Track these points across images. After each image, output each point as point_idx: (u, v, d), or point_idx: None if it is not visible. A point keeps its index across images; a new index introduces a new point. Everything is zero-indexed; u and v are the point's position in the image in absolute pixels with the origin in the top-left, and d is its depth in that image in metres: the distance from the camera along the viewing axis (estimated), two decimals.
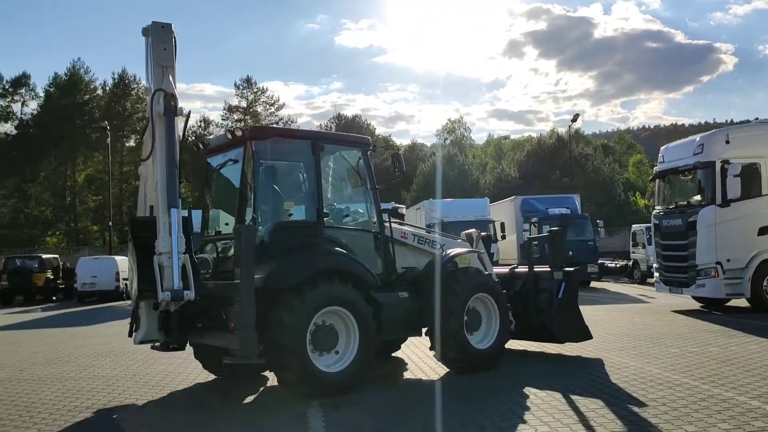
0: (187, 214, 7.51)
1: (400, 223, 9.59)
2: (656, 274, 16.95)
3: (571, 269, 10.09)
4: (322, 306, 7.49)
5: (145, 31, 7.42)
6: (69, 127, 57.24)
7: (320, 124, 76.11)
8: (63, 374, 9.83)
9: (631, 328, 12.77)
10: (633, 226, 30.03)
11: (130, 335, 7.82)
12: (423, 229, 9.95)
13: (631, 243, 29.75)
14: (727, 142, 14.98)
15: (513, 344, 10.81)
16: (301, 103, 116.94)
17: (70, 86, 59.05)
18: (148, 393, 8.25)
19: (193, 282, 6.86)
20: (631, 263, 29.36)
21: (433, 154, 67.03)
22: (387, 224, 8.85)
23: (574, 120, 46.83)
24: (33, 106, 61.74)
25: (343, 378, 7.58)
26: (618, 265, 30.66)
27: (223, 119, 65.59)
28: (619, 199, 60.14)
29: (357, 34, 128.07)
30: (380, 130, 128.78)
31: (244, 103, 65.47)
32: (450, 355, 8.70)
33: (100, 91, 61.53)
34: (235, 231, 7.49)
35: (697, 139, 15.78)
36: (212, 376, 8.97)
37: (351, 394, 7.47)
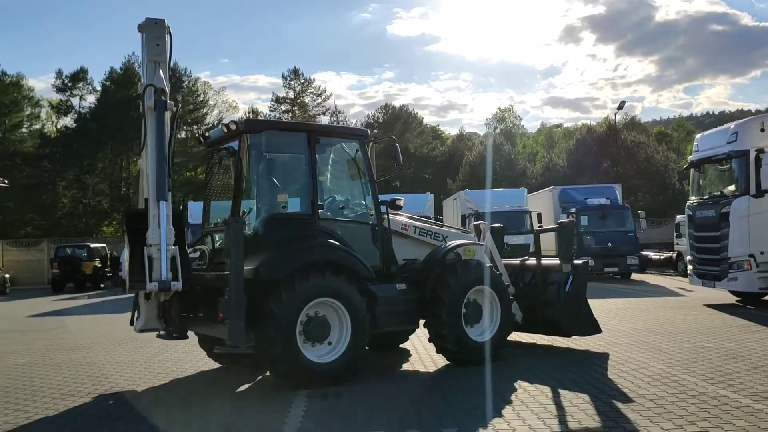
0: (181, 207, 7.69)
1: (410, 217, 9.62)
2: (690, 267, 16.51)
3: (579, 262, 9.93)
4: (313, 297, 7.59)
5: (141, 27, 7.62)
6: (124, 119, 58.82)
7: (368, 114, 76.30)
8: (80, 360, 10.22)
9: (653, 322, 12.48)
10: (677, 216, 29.15)
11: (131, 324, 8.07)
12: (423, 220, 9.91)
13: (674, 234, 28.95)
14: (762, 130, 14.41)
15: (523, 337, 10.76)
16: (353, 93, 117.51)
17: (124, 80, 60.68)
18: (152, 380, 8.52)
19: (180, 273, 7.04)
20: (675, 255, 28.58)
21: (480, 143, 66.34)
22: (386, 216, 8.92)
23: (620, 107, 45.59)
24: (91, 99, 63.75)
25: (333, 368, 7.67)
26: (662, 257, 29.86)
27: (270, 110, 66.41)
28: (674, 189, 58.44)
29: (409, 23, 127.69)
30: (432, 120, 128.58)
31: (291, 94, 66.11)
32: (447, 347, 8.70)
33: None
34: (223, 223, 7.64)
35: (732, 126, 15.25)
36: (216, 365, 9.19)
37: (342, 385, 7.55)
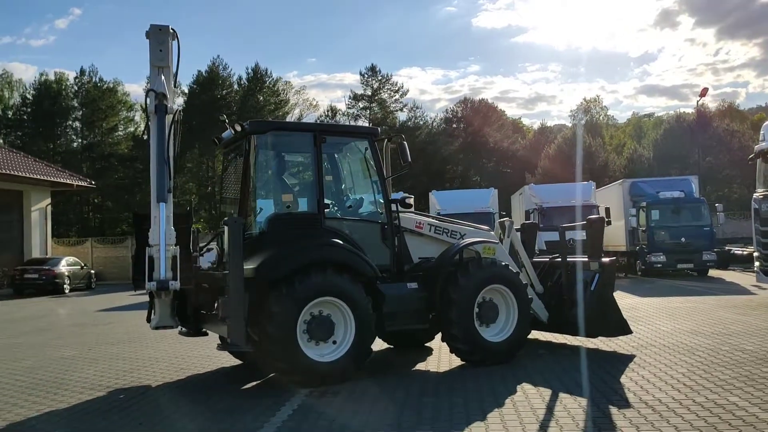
0: (188, 208, 7.92)
1: (424, 215, 9.54)
2: (756, 264, 15.52)
3: (607, 260, 9.54)
4: (314, 297, 7.64)
5: (147, 34, 7.89)
6: (209, 120, 61.00)
7: (448, 109, 75.79)
8: (118, 354, 10.71)
9: (703, 322, 11.82)
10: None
11: (148, 321, 8.38)
12: (435, 218, 9.76)
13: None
14: None
15: (557, 337, 10.46)
16: (438, 88, 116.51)
17: (208, 82, 62.88)
18: (171, 375, 8.83)
19: (179, 273, 7.24)
20: None
21: (559, 136, 64.62)
22: (400, 215, 8.88)
23: (702, 95, 43.07)
24: (179, 102, 66.49)
25: (336, 368, 7.71)
26: (746, 253, 28.18)
27: (348, 108, 67.17)
28: None
29: (495, 15, 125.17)
30: (519, 113, 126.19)
31: (369, 91, 66.55)
32: (458, 347, 8.58)
33: (236, 86, 64.99)
34: (222, 223, 7.81)
35: None
36: (237, 362, 9.41)
37: (344, 384, 7.58)
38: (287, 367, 7.58)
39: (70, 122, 65.90)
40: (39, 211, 31.88)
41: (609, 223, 24.99)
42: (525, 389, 7.22)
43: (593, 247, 9.88)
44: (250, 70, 64.25)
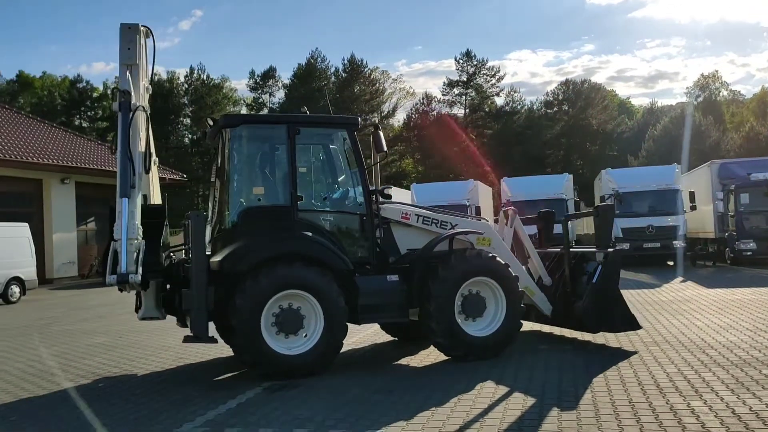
0: (163, 203, 8.14)
1: (412, 205, 9.27)
2: None
3: (611, 250, 8.89)
4: (279, 289, 7.60)
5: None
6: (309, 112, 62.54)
7: (548, 91, 73.43)
8: (139, 342, 11.18)
9: (750, 318, 10.78)
10: None
11: (136, 311, 8.66)
12: (427, 208, 9.42)
13: None
14: None
15: (562, 332, 9.91)
16: (550, 70, 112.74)
17: (306, 75, 64.40)
18: (168, 363, 9.12)
19: (141, 267, 7.41)
20: None
21: (667, 117, 61.02)
22: (386, 205, 8.70)
23: None
24: (280, 95, 68.55)
25: (303, 361, 7.66)
26: None
27: (443, 95, 66.62)
28: None
29: None
30: (637, 92, 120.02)
31: (464, 77, 65.67)
32: (438, 342, 8.30)
33: (333, 78, 66.16)
34: (185, 217, 7.91)
35: None
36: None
37: (312, 377, 7.54)
38: (251, 360, 7.62)
39: (181, 119, 69.55)
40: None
41: (694, 208, 23.44)
42: (487, 388, 6.86)
43: (601, 236, 9.25)
44: (346, 61, 65.10)
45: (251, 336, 7.48)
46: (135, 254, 7.44)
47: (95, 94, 70.52)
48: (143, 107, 7.85)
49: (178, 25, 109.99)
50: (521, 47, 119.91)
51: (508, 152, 62.53)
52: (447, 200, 23.88)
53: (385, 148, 8.36)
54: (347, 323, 7.97)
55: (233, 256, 7.69)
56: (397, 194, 28.13)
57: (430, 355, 8.74)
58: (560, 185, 24.85)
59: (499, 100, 67.63)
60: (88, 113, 70.43)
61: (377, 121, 66.27)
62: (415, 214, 8.90)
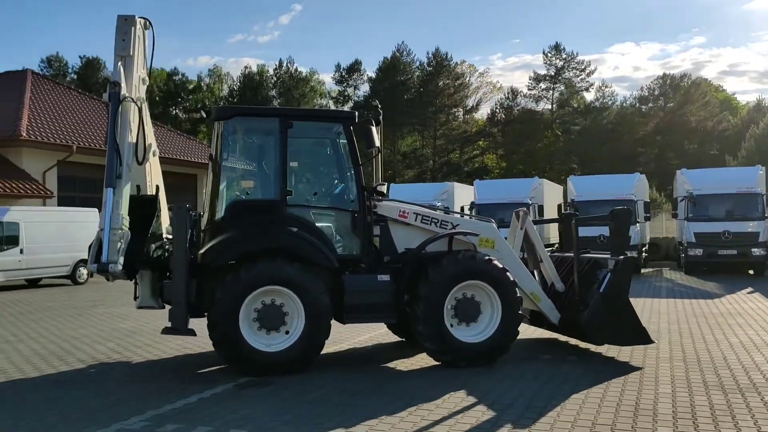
0: (156, 194, 8.21)
1: (411, 203, 8.94)
2: None
3: (621, 257, 8.25)
4: (260, 285, 7.50)
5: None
6: (391, 104, 62.58)
7: (643, 86, 70.09)
8: (158, 328, 11.36)
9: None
10: None
11: (134, 300, 8.79)
12: (427, 207, 9.04)
13: None
14: None
15: (577, 342, 9.32)
16: (654, 64, 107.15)
17: (390, 68, 64.39)
18: (166, 352, 9.22)
19: (123, 257, 7.48)
20: None
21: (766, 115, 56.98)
22: (383, 203, 8.45)
23: None
24: (365, 88, 68.91)
25: (281, 358, 7.54)
26: None
27: (528, 89, 64.94)
28: None
29: None
30: (752, 87, 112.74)
31: (552, 71, 63.74)
32: (426, 346, 7.98)
33: (418, 72, 65.84)
34: (168, 209, 7.91)
35: None
36: None
37: (290, 375, 7.43)
38: (228, 355, 7.57)
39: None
40: None
41: None
42: (450, 397, 6.54)
43: (616, 242, 8.63)
44: (430, 55, 64.62)
45: (229, 331, 7.42)
46: (118, 244, 7.51)
47: (190, 86, 73.23)
48: (133, 98, 7.88)
49: (278, 19, 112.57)
50: (624, 39, 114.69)
51: (597, 149, 60.33)
52: (507, 198, 23.24)
53: (377, 144, 8.07)
54: (330, 322, 7.78)
55: (214, 250, 7.66)
56: (461, 191, 27.89)
57: (423, 359, 8.41)
58: (630, 185, 23.54)
59: (589, 96, 65.31)
60: (184, 104, 73.15)
61: (449, 111, 65.54)
62: (414, 213, 8.56)
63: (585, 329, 8.25)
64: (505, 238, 8.97)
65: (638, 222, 22.18)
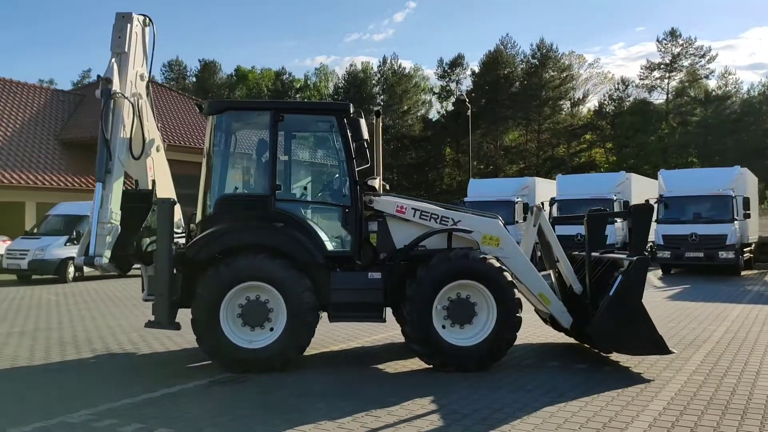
0: (151, 189, 8.28)
1: (410, 198, 8.51)
2: None
3: (635, 258, 7.45)
4: (241, 281, 7.40)
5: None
6: (492, 100, 61.48)
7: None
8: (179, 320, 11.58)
9: None
10: None
11: (143, 292, 8.94)
12: (427, 202, 8.53)
13: None
14: None
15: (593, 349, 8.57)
16: None
17: (493, 62, 63.10)
18: (173, 344, 9.30)
19: (111, 249, 7.57)
20: None
21: None
22: (380, 198, 8.11)
23: None
24: (468, 83, 68.01)
25: (261, 355, 7.40)
26: None
27: (640, 78, 61.51)
28: None
29: None
30: None
31: (668, 59, 60.04)
32: (414, 348, 7.56)
33: (522, 65, 64.13)
34: (153, 203, 7.91)
35: None
36: None
37: (267, 374, 7.27)
38: (209, 350, 7.51)
39: (372, 107, 71.78)
40: None
41: (747, 216, 20.77)
42: (413, 404, 6.11)
43: (635, 241, 7.84)
44: (534, 47, 62.78)
45: (209, 326, 7.36)
46: (106, 238, 7.60)
47: (297, 85, 75.20)
48: (125, 95, 7.91)
49: (393, 17, 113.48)
50: (763, 23, 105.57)
51: (720, 142, 56.31)
52: (590, 194, 22.27)
53: (365, 137, 7.71)
54: (313, 321, 7.54)
55: (197, 244, 7.62)
56: (544, 186, 26.82)
57: (419, 362, 8.00)
58: (729, 180, 21.59)
59: (710, 84, 61.01)
60: None
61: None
62: (412, 208, 8.13)
63: (591, 335, 7.54)
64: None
65: (736, 220, 20.42)
